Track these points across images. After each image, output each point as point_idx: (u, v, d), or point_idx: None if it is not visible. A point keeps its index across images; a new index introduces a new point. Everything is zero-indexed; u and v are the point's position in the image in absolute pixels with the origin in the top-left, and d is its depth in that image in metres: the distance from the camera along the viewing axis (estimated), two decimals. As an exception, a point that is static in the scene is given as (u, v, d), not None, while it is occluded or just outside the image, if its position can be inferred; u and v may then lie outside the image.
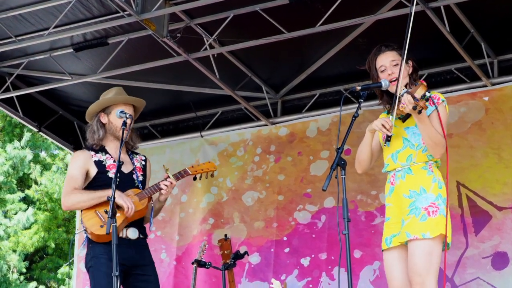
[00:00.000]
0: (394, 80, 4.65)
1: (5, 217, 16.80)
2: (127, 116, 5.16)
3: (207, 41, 7.29)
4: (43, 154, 17.93)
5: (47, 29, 7.27)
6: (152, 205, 5.48)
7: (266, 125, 8.42)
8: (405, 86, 4.65)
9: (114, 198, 4.84)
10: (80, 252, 5.27)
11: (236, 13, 6.98)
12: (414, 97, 4.39)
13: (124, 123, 5.14)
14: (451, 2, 6.56)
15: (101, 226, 5.22)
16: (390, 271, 4.64)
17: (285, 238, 7.96)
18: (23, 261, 16.83)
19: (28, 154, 16.70)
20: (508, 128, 7.29)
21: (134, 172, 5.47)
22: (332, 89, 8.18)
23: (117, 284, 4.71)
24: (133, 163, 5.52)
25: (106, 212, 5.19)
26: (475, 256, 7.09)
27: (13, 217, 16.67)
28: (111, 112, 5.44)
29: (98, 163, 5.41)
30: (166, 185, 5.41)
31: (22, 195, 17.36)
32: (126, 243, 5.29)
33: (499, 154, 7.26)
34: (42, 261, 17.73)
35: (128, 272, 5.27)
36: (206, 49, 7.34)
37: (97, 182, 5.37)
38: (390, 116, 4.57)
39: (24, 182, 17.88)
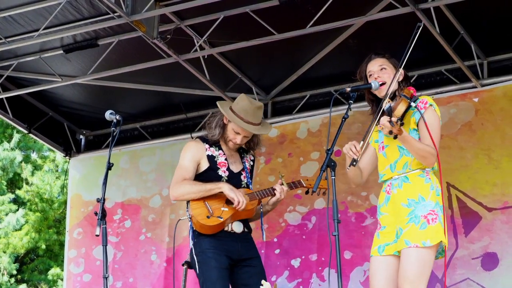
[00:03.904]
0: (383, 84, 4.65)
1: (-5, 219, 16.75)
2: (117, 117, 5.15)
3: (197, 42, 7.29)
4: (33, 156, 17.87)
5: (37, 30, 7.25)
6: (261, 209, 5.56)
7: (257, 126, 8.40)
8: (395, 93, 4.64)
9: (104, 200, 4.83)
10: (190, 242, 5.32)
11: (226, 14, 6.98)
12: (391, 120, 4.34)
13: (114, 124, 5.11)
14: (441, 4, 6.56)
15: (208, 217, 5.25)
16: (375, 277, 4.61)
17: (275, 240, 7.95)
18: (14, 263, 16.76)
19: (18, 156, 16.63)
20: (498, 129, 7.30)
21: (243, 172, 5.54)
22: (322, 90, 8.18)
23: (107, 285, 4.70)
24: (243, 163, 5.57)
25: (217, 203, 5.31)
26: (465, 257, 7.10)
27: (3, 219, 16.60)
28: (231, 121, 5.46)
29: (211, 158, 5.45)
30: (280, 191, 5.47)
31: (12, 196, 17.29)
32: (231, 237, 5.37)
33: (489, 155, 7.26)
34: (32, 262, 17.66)
35: (235, 265, 5.36)
36: (196, 50, 7.34)
37: (206, 177, 5.41)
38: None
39: (14, 183, 17.81)
